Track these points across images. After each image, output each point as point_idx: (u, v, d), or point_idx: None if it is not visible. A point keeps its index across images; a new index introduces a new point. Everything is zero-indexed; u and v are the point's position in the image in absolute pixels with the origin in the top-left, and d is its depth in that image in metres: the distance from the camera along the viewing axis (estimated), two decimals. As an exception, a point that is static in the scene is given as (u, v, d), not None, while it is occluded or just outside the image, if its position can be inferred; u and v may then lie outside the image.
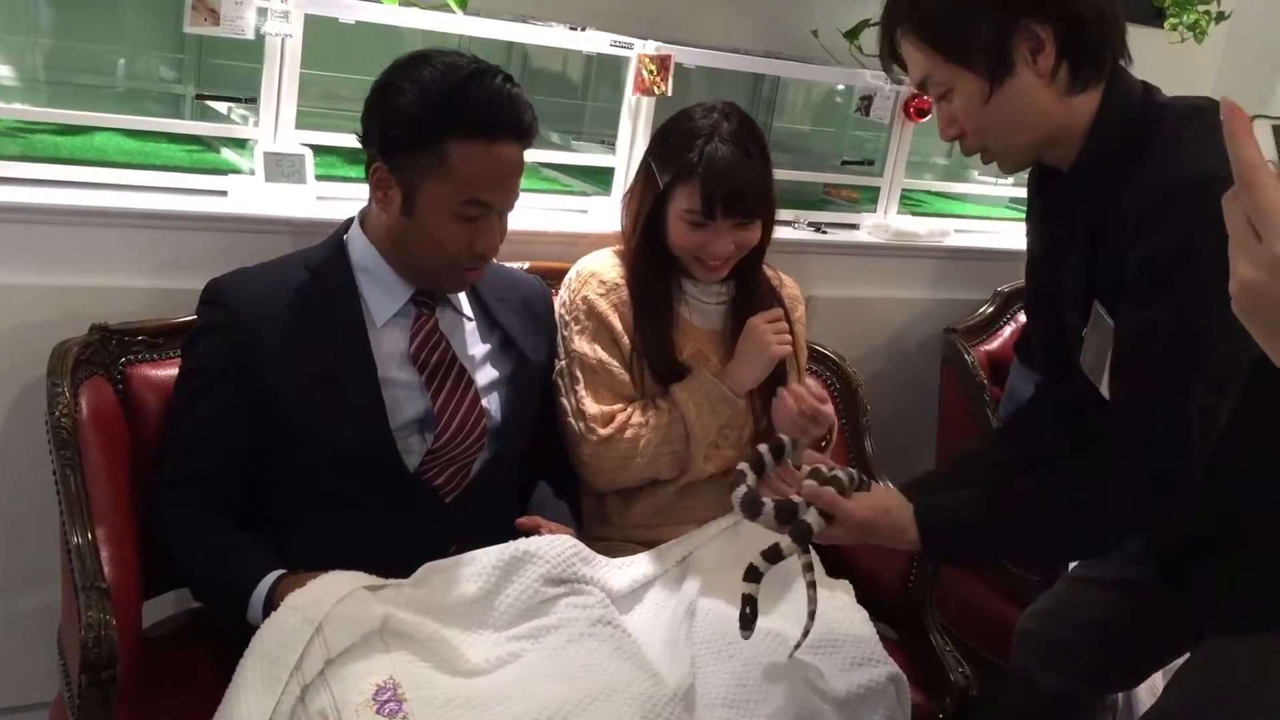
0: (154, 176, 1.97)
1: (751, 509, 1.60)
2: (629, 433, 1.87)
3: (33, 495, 1.77)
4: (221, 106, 2.22)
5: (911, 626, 2.06)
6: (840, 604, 1.91)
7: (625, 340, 1.91)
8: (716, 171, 1.83)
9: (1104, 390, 1.51)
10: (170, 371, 1.77)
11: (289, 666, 1.45)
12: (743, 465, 1.68)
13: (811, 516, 1.57)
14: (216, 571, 1.63)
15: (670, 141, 1.90)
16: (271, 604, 1.54)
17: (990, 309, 2.72)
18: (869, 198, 2.81)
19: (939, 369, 2.64)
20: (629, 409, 1.89)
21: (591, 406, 1.89)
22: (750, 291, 2.00)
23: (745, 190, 1.85)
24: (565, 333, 1.94)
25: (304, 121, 2.08)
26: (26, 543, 1.87)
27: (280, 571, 1.59)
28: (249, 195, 1.98)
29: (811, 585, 1.78)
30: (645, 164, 1.95)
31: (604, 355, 1.90)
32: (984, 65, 1.45)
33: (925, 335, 2.69)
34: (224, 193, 1.99)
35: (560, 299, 1.97)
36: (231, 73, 2.31)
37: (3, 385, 1.81)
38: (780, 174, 2.68)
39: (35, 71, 2.27)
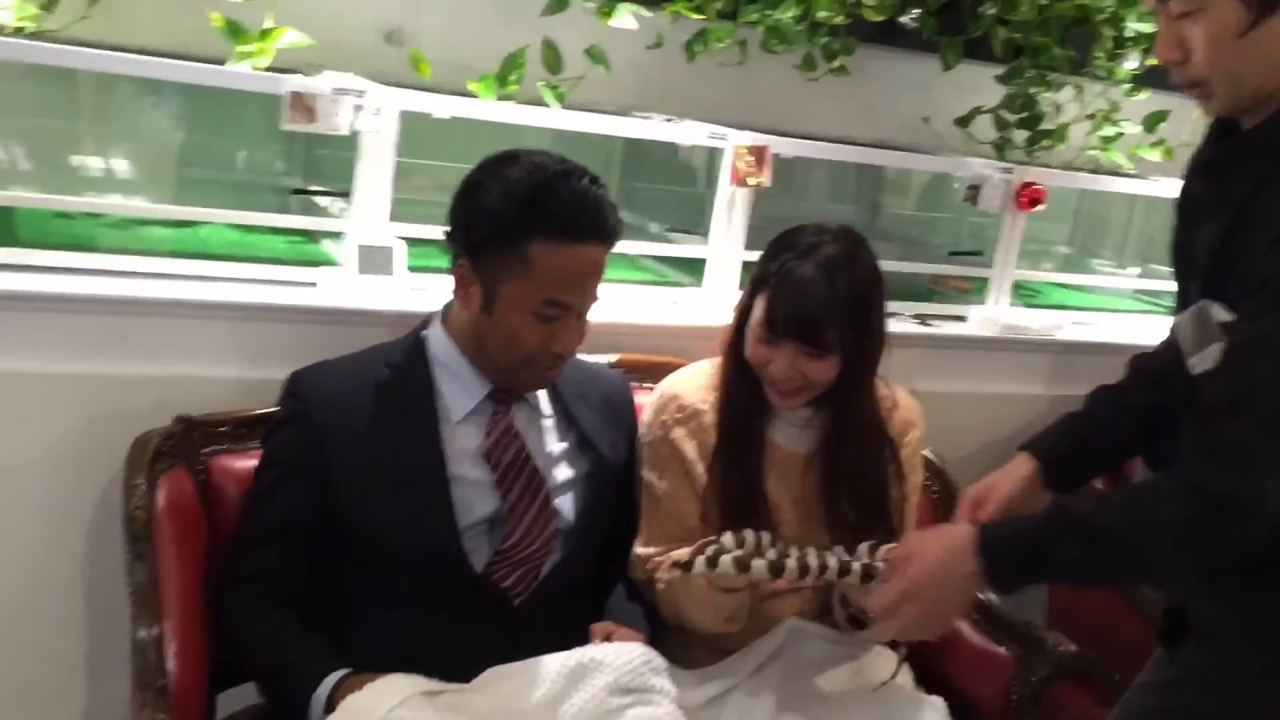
0: (249, 269, 2.02)
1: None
2: (658, 588, 1.80)
3: (121, 585, 1.80)
4: (322, 198, 2.26)
5: (1014, 749, 1.94)
6: (930, 722, 1.80)
7: (699, 469, 1.82)
8: (788, 289, 1.73)
9: (1190, 365, 1.41)
10: (252, 463, 1.78)
11: (342, 773, 1.43)
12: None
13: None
14: (280, 669, 1.62)
15: (770, 250, 1.83)
16: (332, 705, 1.52)
17: (1108, 407, 2.58)
18: (981, 288, 2.72)
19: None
20: (663, 561, 1.77)
21: (639, 547, 1.84)
22: (847, 424, 1.85)
23: (814, 318, 1.72)
24: (642, 453, 1.88)
25: (408, 211, 2.11)
26: (114, 631, 1.89)
27: (343, 672, 1.57)
28: (339, 287, 2.01)
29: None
30: (753, 271, 1.87)
31: (668, 487, 1.83)
32: None
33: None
34: (314, 284, 2.02)
35: (643, 416, 1.91)
36: (337, 164, 2.36)
37: (93, 474, 1.85)
38: (889, 266, 2.64)
39: (151, 165, 2.35)
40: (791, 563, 1.60)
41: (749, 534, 1.66)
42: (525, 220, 1.62)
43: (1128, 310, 3.00)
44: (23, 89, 2.14)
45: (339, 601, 1.70)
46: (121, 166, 2.31)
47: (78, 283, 1.87)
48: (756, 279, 1.80)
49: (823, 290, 1.72)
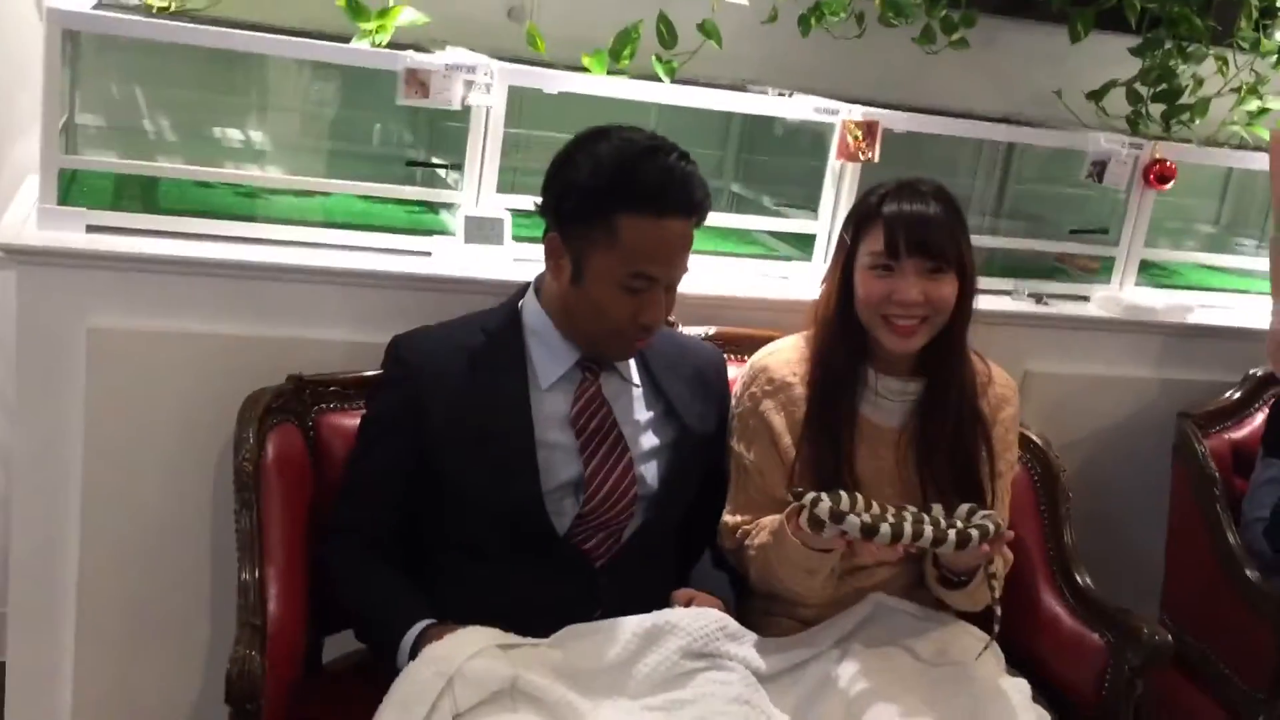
0: (369, 238, 2.12)
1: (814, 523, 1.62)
2: (749, 554, 1.82)
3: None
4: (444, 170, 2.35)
5: (1105, 737, 1.91)
6: (1011, 705, 1.78)
7: (786, 441, 1.84)
8: (900, 212, 1.79)
9: None
10: (358, 421, 1.88)
11: (419, 718, 1.51)
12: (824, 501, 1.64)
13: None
14: (373, 616, 1.72)
15: (862, 199, 1.88)
16: (417, 653, 1.60)
17: (1239, 393, 2.48)
18: (1109, 268, 2.64)
19: (1170, 457, 2.44)
20: (753, 529, 1.82)
21: (727, 515, 1.87)
22: (940, 395, 1.86)
23: (931, 232, 1.78)
24: (731, 425, 1.91)
25: (523, 181, 2.16)
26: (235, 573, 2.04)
27: (428, 621, 1.65)
28: (450, 256, 2.09)
29: (992, 576, 1.75)
30: (840, 234, 1.91)
31: (756, 458, 1.86)
32: None
33: (1157, 420, 2.49)
34: (428, 253, 2.11)
35: (734, 389, 1.94)
36: (459, 136, 2.43)
37: (218, 427, 1.96)
38: (1004, 242, 2.59)
39: (286, 137, 2.48)
40: (885, 528, 1.60)
41: (844, 495, 1.67)
42: (612, 194, 1.66)
43: (1266, 293, 2.86)
44: (167, 65, 2.28)
45: (429, 555, 1.78)
46: (258, 138, 2.44)
47: (211, 248, 1.99)
48: (859, 220, 1.84)
49: (934, 211, 1.79)
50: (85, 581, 2.03)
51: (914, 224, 1.78)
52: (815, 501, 1.61)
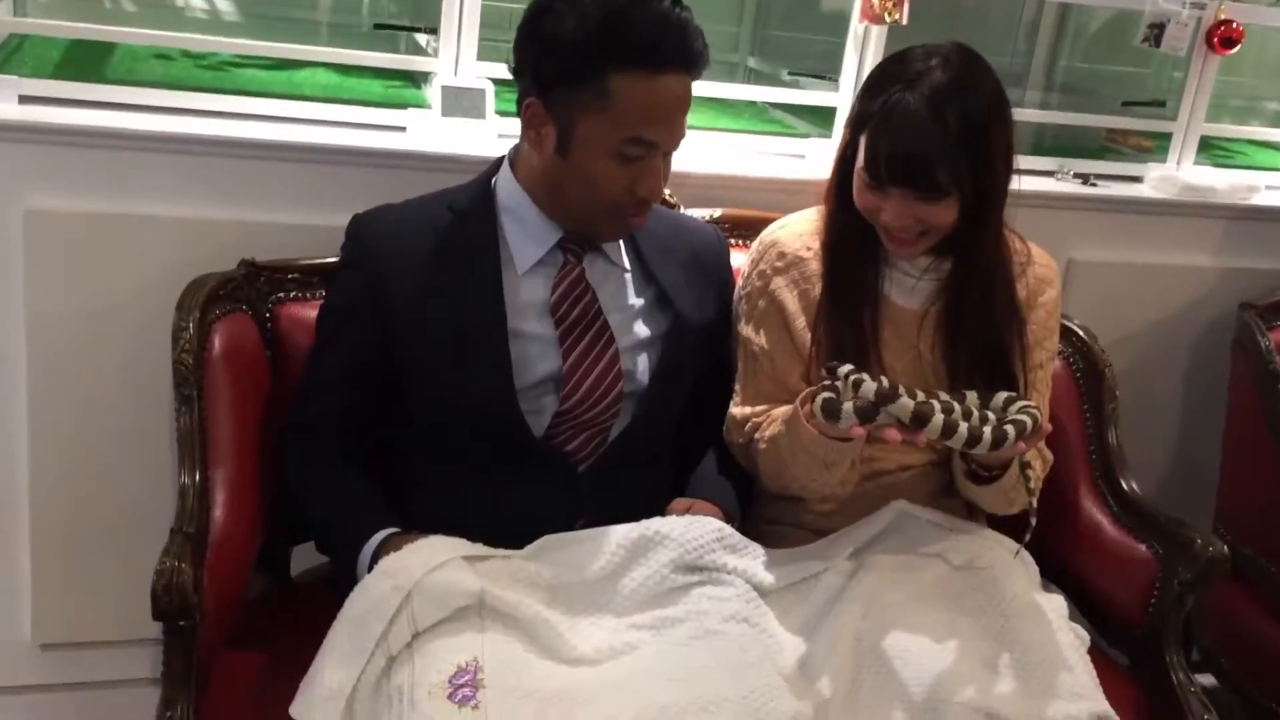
0: (337, 111, 1.92)
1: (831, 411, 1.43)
2: (759, 447, 1.63)
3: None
4: (421, 38, 2.14)
5: (1150, 657, 1.73)
6: (1047, 622, 1.59)
7: (800, 322, 1.65)
8: (890, 128, 1.51)
9: None
10: (321, 311, 1.70)
11: (375, 636, 1.35)
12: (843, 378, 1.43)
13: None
14: (332, 523, 1.56)
15: (872, 82, 1.61)
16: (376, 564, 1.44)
17: (1308, 283, 2.26)
18: (1164, 146, 2.39)
19: (1229, 353, 2.22)
20: (764, 420, 1.63)
21: (735, 408, 1.68)
22: (970, 272, 1.64)
23: (919, 158, 1.50)
24: (739, 309, 1.72)
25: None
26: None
27: (390, 531, 1.49)
28: (426, 131, 1.89)
29: (1027, 466, 1.57)
30: (852, 105, 1.67)
31: (765, 343, 1.66)
32: None
33: (1216, 312, 2.27)
34: (403, 128, 1.91)
35: (743, 270, 1.74)
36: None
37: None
38: (1047, 117, 2.35)
39: (254, 8, 2.28)
40: (906, 400, 1.40)
41: (866, 377, 1.45)
42: (603, 49, 1.44)
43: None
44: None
45: (400, 459, 1.62)
46: (224, 7, 2.24)
47: (162, 121, 1.82)
48: (858, 117, 1.59)
49: (929, 128, 1.50)
50: (37, 486, 1.89)
51: (900, 149, 1.51)
52: (858, 382, 1.40)
